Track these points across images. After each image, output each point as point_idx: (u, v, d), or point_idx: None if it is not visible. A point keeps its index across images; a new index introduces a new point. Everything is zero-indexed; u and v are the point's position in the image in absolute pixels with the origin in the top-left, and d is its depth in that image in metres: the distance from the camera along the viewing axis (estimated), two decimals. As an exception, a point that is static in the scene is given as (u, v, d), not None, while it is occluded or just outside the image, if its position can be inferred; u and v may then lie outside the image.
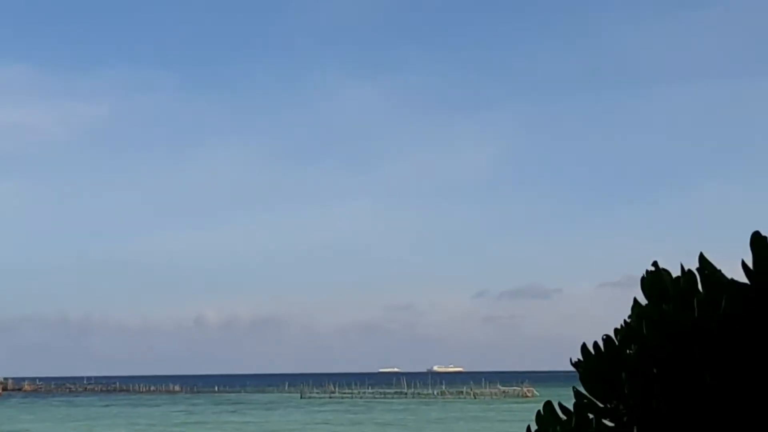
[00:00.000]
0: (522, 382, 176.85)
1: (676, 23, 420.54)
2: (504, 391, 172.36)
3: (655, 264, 5.03)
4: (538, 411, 5.20)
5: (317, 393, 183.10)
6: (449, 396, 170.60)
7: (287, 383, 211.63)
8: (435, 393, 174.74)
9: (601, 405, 5.03)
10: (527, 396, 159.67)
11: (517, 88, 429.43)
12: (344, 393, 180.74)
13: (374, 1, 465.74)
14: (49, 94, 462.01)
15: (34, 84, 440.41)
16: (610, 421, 4.97)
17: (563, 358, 5.24)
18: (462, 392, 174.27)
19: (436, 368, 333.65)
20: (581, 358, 5.06)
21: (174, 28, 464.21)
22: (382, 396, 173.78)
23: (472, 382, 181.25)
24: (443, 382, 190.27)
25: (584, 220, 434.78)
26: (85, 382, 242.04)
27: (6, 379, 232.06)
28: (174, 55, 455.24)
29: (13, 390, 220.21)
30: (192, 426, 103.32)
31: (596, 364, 5.00)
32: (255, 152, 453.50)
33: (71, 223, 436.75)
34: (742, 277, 4.83)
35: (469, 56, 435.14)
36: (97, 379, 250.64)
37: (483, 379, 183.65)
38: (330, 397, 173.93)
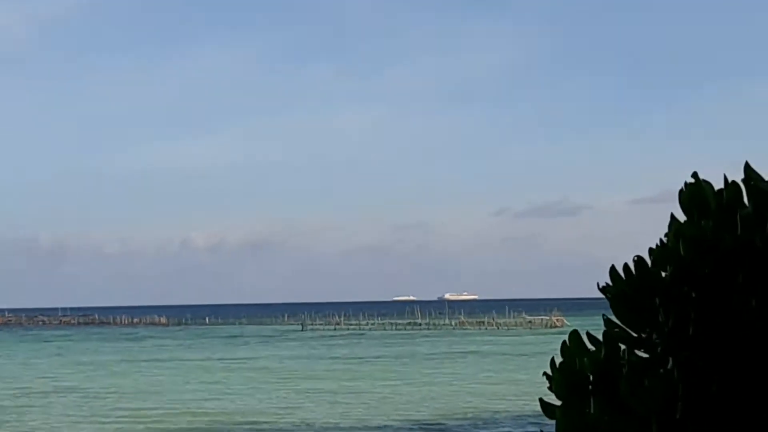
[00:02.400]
0: (551, 310, 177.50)
1: None
2: (530, 321, 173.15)
3: (695, 175, 5.02)
4: (564, 341, 5.23)
5: (320, 325, 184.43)
6: (468, 326, 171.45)
7: (286, 314, 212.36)
8: (452, 323, 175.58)
9: (634, 334, 5.05)
10: (557, 326, 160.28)
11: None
12: (350, 324, 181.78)
13: None
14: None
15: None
16: (644, 351, 4.99)
17: (593, 283, 5.26)
18: (483, 322, 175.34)
19: (447, 296, 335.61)
20: (610, 282, 5.07)
21: None
22: (393, 327, 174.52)
23: (494, 312, 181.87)
24: (461, 311, 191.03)
25: (617, 126, 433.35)
26: (59, 313, 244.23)
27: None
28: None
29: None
30: (157, 364, 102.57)
31: (627, 289, 5.01)
32: (248, 53, 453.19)
33: (40, 136, 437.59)
34: None
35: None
36: (74, 311, 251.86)
37: (506, 308, 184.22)
38: (335, 329, 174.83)
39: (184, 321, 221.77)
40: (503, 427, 48.35)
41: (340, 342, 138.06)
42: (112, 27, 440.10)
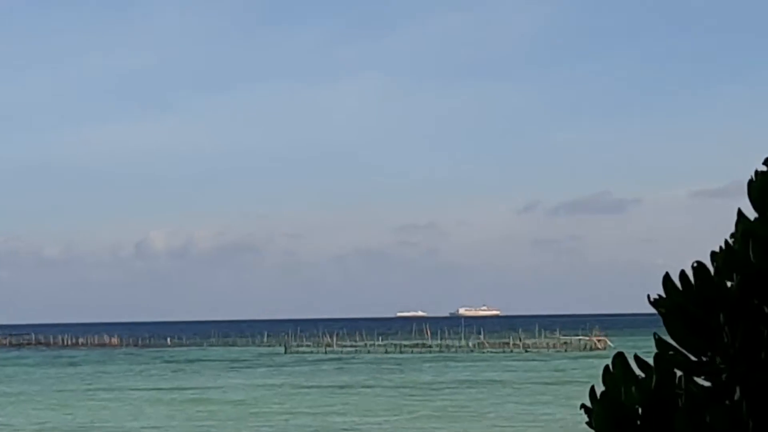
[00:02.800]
0: (591, 329, 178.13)
1: None
2: (566, 342, 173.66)
3: (767, 162, 5.06)
4: (606, 366, 5.28)
5: (308, 346, 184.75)
6: (490, 348, 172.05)
7: (266, 333, 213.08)
8: (470, 345, 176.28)
9: (693, 358, 5.09)
10: (598, 347, 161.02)
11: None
12: (345, 345, 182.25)
13: None
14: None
15: None
16: (705, 379, 5.03)
17: (643, 295, 5.28)
18: (508, 343, 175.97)
19: (462, 311, 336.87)
20: (663, 295, 5.10)
21: None
22: (396, 349, 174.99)
23: (521, 330, 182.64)
24: (480, 330, 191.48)
25: (673, 105, 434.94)
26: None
27: None
28: None
29: None
30: (97, 395, 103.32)
31: (685, 302, 5.04)
32: (220, 14, 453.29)
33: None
34: None
35: None
36: (5, 329, 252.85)
37: (536, 326, 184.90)
38: (326, 351, 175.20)
39: (140, 341, 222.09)
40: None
41: (330, 368, 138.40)
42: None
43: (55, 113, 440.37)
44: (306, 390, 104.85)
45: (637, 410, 5.05)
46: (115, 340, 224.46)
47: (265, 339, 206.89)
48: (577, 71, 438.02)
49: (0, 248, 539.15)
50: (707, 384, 5.00)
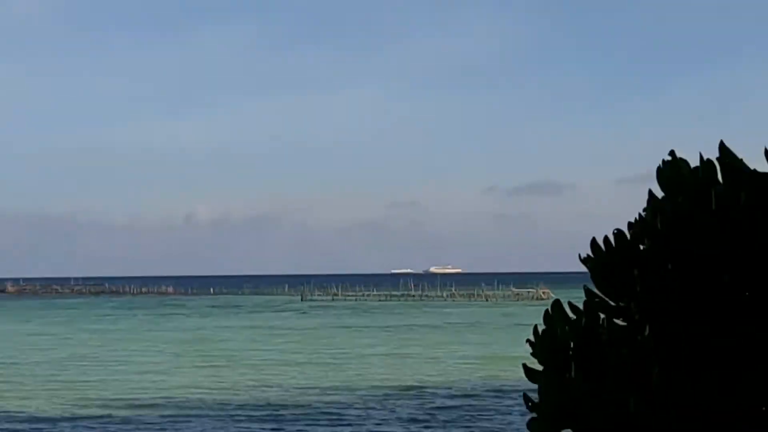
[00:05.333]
0: (537, 284, 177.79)
1: None
2: (518, 294, 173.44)
3: (672, 153, 5.04)
4: (546, 310, 5.28)
5: (319, 295, 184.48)
6: (460, 298, 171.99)
7: (287, 285, 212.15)
8: (444, 295, 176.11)
9: (613, 304, 5.09)
10: (542, 298, 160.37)
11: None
12: (348, 295, 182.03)
13: None
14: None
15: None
16: (622, 320, 5.04)
17: (576, 256, 5.31)
18: (473, 294, 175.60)
19: (432, 269, 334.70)
20: (591, 255, 5.11)
21: None
22: (387, 299, 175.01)
23: (483, 284, 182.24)
24: (452, 284, 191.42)
25: (603, 109, 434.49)
26: (72, 283, 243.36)
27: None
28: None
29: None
30: (181, 333, 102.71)
31: (607, 261, 5.05)
32: (251, 35, 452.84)
33: (50, 110, 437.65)
34: (765, 168, 4.86)
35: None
36: (86, 280, 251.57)
37: (495, 281, 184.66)
38: (333, 299, 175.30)
39: (189, 290, 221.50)
40: (489, 390, 48.50)
41: (344, 312, 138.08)
42: (114, 6, 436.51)
43: (124, 110, 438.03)
44: (343, 323, 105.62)
45: (570, 344, 5.05)
46: (170, 289, 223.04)
47: (286, 289, 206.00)
48: (528, 80, 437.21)
49: (80, 220, 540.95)
50: (624, 324, 5.02)
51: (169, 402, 45.99)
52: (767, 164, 4.96)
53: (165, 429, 38.80)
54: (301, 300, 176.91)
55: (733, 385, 4.75)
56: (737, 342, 4.78)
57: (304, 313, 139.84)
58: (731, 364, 4.78)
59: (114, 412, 42.63)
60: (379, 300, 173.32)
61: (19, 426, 39.66)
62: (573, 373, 4.85)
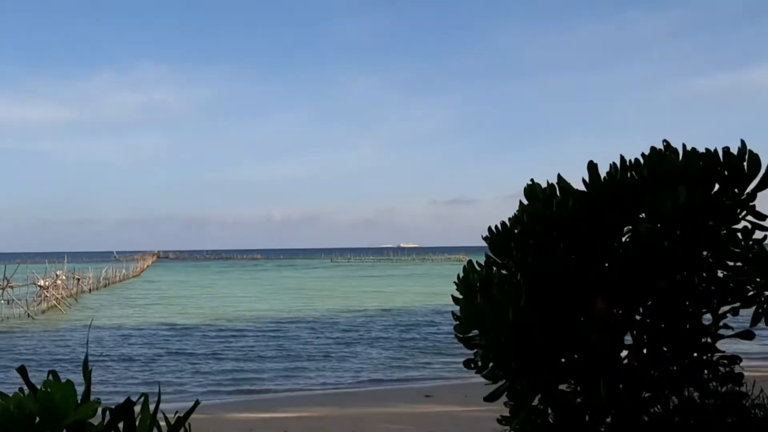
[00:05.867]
0: (460, 253, 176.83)
1: (566, 31, 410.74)
2: (449, 258, 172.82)
3: (531, 180, 5.16)
4: (464, 266, 5.31)
5: (341, 260, 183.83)
6: (418, 261, 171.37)
7: (323, 254, 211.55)
8: (408, 259, 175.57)
9: (500, 261, 5.13)
10: (462, 260, 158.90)
11: (456, 81, 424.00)
12: (357, 259, 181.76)
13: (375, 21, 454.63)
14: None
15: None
16: (505, 270, 5.07)
17: (481, 238, 5.38)
18: (424, 259, 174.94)
19: (402, 245, 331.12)
20: (488, 236, 5.20)
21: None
22: (377, 261, 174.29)
23: (431, 253, 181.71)
24: (414, 254, 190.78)
25: (497, 156, 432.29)
26: (204, 253, 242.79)
27: (160, 251, 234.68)
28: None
29: (163, 258, 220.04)
30: (237, 278, 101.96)
31: (497, 238, 5.10)
32: (304, 117, 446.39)
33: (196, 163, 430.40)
34: (582, 188, 4.95)
35: (430, 62, 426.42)
36: (211, 251, 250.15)
37: (437, 252, 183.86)
38: (348, 262, 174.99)
39: (269, 257, 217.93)
40: (433, 311, 48.16)
41: (349, 267, 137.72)
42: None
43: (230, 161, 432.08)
44: (353, 274, 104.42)
45: (477, 283, 5.11)
46: (258, 256, 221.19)
47: (322, 256, 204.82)
48: (455, 141, 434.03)
49: (210, 219, 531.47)
50: (505, 272, 5.04)
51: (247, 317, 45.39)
52: (584, 186, 5.02)
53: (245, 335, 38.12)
54: (330, 262, 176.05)
55: (572, 318, 4.79)
56: (572, 285, 4.82)
57: (333, 268, 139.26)
58: (573, 300, 4.81)
59: (221, 323, 42.08)
60: (373, 262, 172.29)
61: (166, 331, 39.13)
62: (478, 299, 4.97)
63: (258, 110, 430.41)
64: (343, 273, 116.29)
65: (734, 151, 4.67)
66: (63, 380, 3.31)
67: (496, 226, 5.08)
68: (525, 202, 5.11)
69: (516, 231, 5.01)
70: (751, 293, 4.65)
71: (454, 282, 5.19)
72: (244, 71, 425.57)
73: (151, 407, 3.63)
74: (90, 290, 73.81)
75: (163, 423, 3.62)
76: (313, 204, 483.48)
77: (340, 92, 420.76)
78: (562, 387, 4.82)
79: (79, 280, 69.47)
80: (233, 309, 51.15)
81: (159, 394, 3.79)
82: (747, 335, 4.83)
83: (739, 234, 4.69)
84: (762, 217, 4.70)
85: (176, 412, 3.71)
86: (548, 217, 4.83)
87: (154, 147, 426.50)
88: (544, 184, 5.09)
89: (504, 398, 4.91)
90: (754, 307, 4.63)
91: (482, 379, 5.00)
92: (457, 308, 5.15)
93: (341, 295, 64.75)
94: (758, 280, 4.60)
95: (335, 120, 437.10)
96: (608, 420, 4.69)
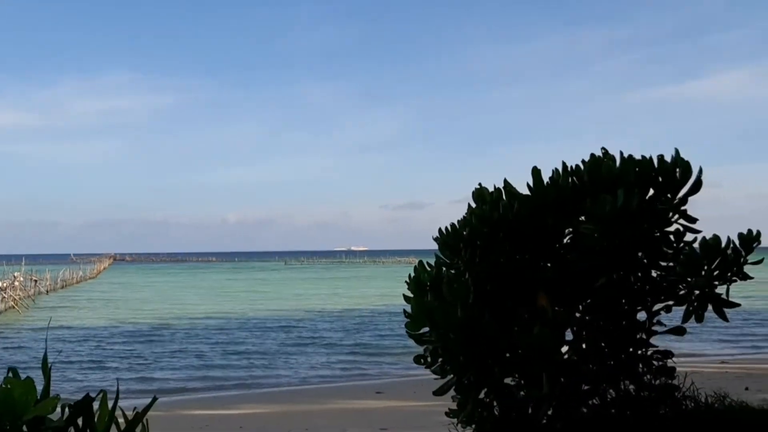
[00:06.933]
0: (410, 255, 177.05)
1: (508, 49, 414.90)
2: (399, 260, 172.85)
3: (479, 184, 5.20)
4: (415, 266, 5.30)
5: (294, 262, 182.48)
6: (370, 263, 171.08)
7: (277, 257, 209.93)
8: (361, 261, 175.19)
9: (449, 261, 5.13)
10: (412, 263, 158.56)
11: (409, 89, 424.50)
12: (310, 262, 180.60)
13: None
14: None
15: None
16: (454, 270, 5.09)
17: (432, 239, 5.33)
18: (376, 261, 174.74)
19: (353, 248, 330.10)
20: (439, 236, 5.22)
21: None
22: (330, 263, 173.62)
23: (381, 257, 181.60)
24: (365, 256, 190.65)
25: (448, 162, 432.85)
26: (161, 256, 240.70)
27: (117, 254, 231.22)
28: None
29: (120, 260, 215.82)
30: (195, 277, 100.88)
31: (446, 239, 5.10)
32: (262, 124, 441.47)
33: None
34: (527, 192, 5.00)
35: (386, 72, 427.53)
36: (168, 254, 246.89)
37: (387, 256, 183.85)
38: (301, 264, 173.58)
39: (224, 259, 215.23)
40: (385, 311, 48.05)
41: (302, 270, 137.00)
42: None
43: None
44: (305, 276, 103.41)
45: (427, 282, 5.12)
46: (213, 259, 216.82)
47: (276, 259, 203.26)
48: (408, 148, 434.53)
49: (168, 221, 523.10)
50: (454, 272, 5.05)
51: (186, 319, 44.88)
52: (528, 191, 5.05)
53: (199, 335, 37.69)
54: (284, 265, 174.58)
55: (511, 315, 4.82)
56: (517, 283, 4.85)
57: (286, 270, 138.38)
58: (517, 298, 4.83)
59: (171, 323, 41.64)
60: (325, 264, 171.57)
61: (120, 332, 38.47)
62: (429, 297, 4.98)
63: (218, 117, 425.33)
64: (296, 275, 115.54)
65: (668, 158, 4.83)
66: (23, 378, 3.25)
67: (446, 228, 5.08)
68: (473, 205, 5.13)
69: (465, 232, 5.02)
70: (682, 292, 4.78)
71: (406, 281, 5.16)
72: (205, 80, 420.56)
73: (110, 404, 3.58)
74: (47, 291, 71.96)
75: (121, 420, 3.59)
76: (268, 208, 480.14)
77: (298, 101, 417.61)
78: (507, 380, 4.87)
79: (36, 281, 67.91)
80: (182, 311, 50.39)
81: (117, 391, 3.73)
82: (679, 331, 4.96)
83: (671, 236, 4.82)
84: (692, 220, 4.83)
85: (134, 408, 3.67)
86: (495, 220, 4.86)
87: (116, 152, 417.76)
88: (491, 189, 5.10)
89: (452, 392, 4.94)
90: (685, 305, 4.75)
91: (431, 375, 5.01)
92: (408, 306, 5.11)
93: (292, 297, 64.25)
94: (689, 279, 4.72)
95: (292, 127, 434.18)
96: (550, 412, 4.76)
